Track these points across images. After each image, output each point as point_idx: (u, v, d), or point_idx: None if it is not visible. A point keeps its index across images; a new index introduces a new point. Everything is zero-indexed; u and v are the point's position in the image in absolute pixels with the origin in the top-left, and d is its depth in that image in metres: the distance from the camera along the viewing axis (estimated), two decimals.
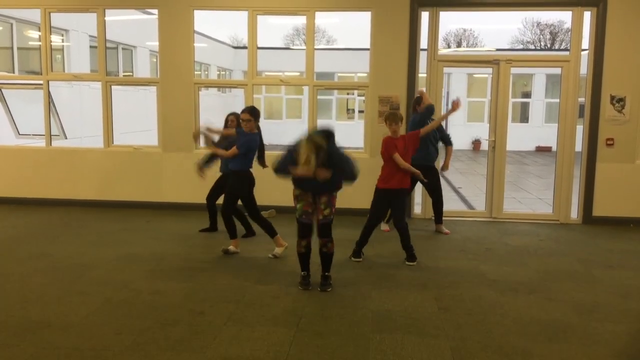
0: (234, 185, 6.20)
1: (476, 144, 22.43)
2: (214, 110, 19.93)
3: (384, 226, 7.47)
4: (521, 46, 36.97)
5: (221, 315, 4.48)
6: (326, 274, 5.21)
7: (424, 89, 7.91)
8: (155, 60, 16.79)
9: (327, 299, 4.93)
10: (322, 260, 5.21)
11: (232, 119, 6.95)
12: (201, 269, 5.73)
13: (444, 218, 7.63)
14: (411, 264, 5.97)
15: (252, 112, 6.07)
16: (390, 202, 6.12)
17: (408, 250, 6.05)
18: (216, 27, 21.91)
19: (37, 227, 7.48)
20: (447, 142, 7.60)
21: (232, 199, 6.19)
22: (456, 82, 23.02)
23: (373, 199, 6.18)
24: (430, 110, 6.87)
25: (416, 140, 6.12)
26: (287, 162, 5.03)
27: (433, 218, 7.70)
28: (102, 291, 4.99)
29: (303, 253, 5.23)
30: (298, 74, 15.65)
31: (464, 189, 11.54)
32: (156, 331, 4.16)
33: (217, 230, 7.18)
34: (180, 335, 4.09)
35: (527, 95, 24.70)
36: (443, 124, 8.07)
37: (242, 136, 6.09)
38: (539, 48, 37.62)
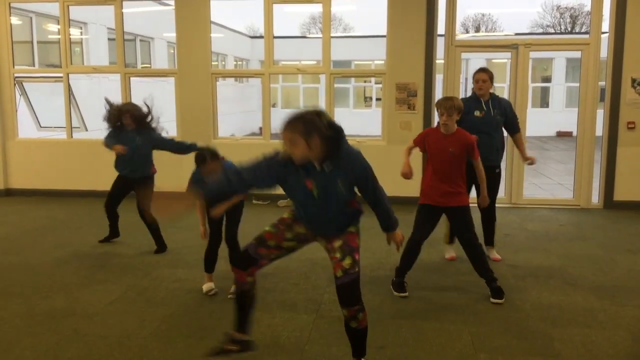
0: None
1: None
2: (232, 101, 20.08)
3: (448, 253, 5.74)
4: (541, 30, 36.43)
5: None
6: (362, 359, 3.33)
7: None
8: (172, 51, 16.87)
9: None
10: (351, 340, 3.28)
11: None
12: (220, 256, 5.78)
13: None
14: (498, 301, 4.51)
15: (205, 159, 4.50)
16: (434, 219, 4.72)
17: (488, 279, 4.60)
18: (233, 17, 21.94)
19: (60, 218, 7.61)
20: (513, 129, 5.73)
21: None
22: (475, 68, 22.80)
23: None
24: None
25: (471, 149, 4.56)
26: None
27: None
28: (124, 279, 5.08)
29: (241, 294, 3.38)
30: (315, 62, 15.64)
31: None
32: (178, 318, 4.24)
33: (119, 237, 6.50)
34: (202, 322, 4.16)
35: (547, 79, 24.38)
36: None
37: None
38: (559, 32, 37.02)
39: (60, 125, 9.23)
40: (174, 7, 8.58)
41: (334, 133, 2.93)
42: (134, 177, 6.06)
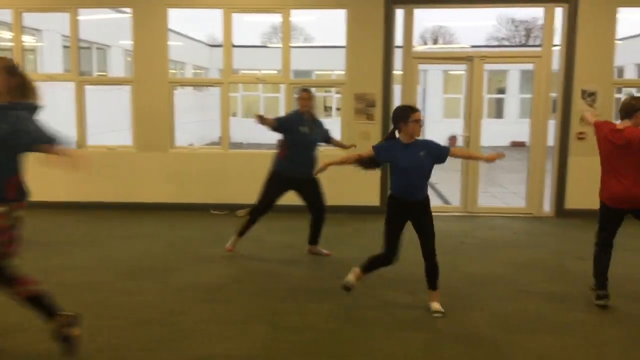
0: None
1: (452, 139, 22.62)
2: (190, 110, 19.90)
3: None
4: (496, 43, 37.36)
5: (199, 315, 4.50)
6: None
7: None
8: (129, 59, 16.65)
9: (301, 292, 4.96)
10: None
11: None
12: (175, 268, 5.72)
13: None
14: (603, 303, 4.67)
15: None
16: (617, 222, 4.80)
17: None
18: (192, 26, 21.80)
19: None
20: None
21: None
22: (432, 79, 23.23)
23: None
24: None
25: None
26: None
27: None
28: (75, 293, 4.96)
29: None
30: (276, 72, 15.64)
31: (440, 184, 11.65)
32: (131, 331, 4.16)
33: None
34: (155, 336, 4.10)
35: (502, 91, 25.00)
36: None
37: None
38: (514, 44, 38.02)
39: None
40: (131, 15, 8.48)
41: None
42: None
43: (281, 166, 5.91)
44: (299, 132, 5.84)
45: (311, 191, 5.98)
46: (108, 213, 8.23)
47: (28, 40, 13.00)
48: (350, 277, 4.65)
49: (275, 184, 5.92)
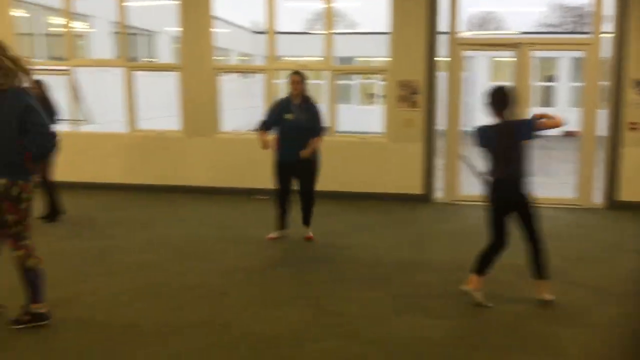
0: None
1: None
2: (237, 96, 20.07)
3: None
4: (546, 29, 36.33)
5: (244, 295, 4.59)
6: None
7: None
8: (175, 45, 16.90)
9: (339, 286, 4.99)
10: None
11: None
12: (220, 250, 5.83)
13: (473, 203, 7.51)
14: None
15: None
16: None
17: None
18: (237, 12, 21.91)
19: (67, 211, 7.56)
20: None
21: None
22: (479, 66, 22.78)
23: None
24: None
25: None
26: None
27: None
28: (125, 273, 5.11)
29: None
30: (319, 59, 15.66)
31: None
32: (179, 310, 4.27)
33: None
34: (203, 315, 4.20)
35: (552, 79, 24.34)
36: None
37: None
38: (564, 31, 36.91)
39: (65, 118, 9.23)
40: (177, 2, 8.59)
41: None
42: None
43: (277, 153, 6.04)
44: (283, 118, 5.94)
45: (301, 176, 6.06)
46: (157, 195, 8.41)
47: (78, 26, 13.33)
48: (469, 288, 4.45)
49: (277, 171, 6.08)
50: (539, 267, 4.45)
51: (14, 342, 3.73)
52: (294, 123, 5.93)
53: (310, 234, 6.21)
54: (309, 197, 6.16)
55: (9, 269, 3.95)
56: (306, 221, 6.26)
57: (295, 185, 6.14)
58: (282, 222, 6.20)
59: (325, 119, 6.14)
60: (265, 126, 6.09)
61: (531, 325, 4.11)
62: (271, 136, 6.07)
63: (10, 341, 3.75)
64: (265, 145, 6.02)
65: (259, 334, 3.90)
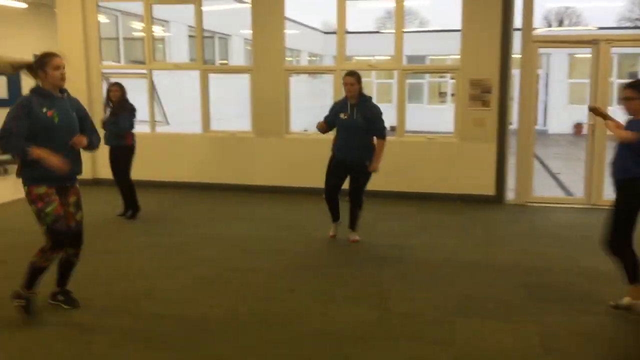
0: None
1: (577, 127, 21.31)
2: (307, 96, 20.30)
3: None
4: (629, 24, 34.52)
5: (310, 293, 4.67)
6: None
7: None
8: (249, 48, 17.29)
9: (407, 283, 4.98)
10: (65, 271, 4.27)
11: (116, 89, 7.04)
12: (287, 249, 5.94)
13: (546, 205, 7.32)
14: None
15: None
16: None
17: None
18: (308, 13, 22.14)
19: (143, 208, 7.91)
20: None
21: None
22: (556, 63, 21.97)
23: None
24: None
25: None
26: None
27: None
28: (193, 269, 5.30)
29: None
30: (389, 58, 15.60)
31: (562, 175, 11.10)
32: (249, 307, 4.40)
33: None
34: (272, 311, 4.30)
35: (634, 76, 23.14)
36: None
37: None
38: None
39: (143, 119, 9.64)
40: (250, 5, 8.80)
41: None
42: None
43: (334, 149, 6.09)
44: (338, 117, 5.97)
45: (352, 175, 6.04)
46: (227, 194, 8.66)
47: (157, 30, 13.90)
48: (627, 300, 4.24)
49: (330, 165, 6.10)
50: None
51: (107, 326, 3.97)
52: (347, 122, 5.92)
53: (357, 237, 6.14)
54: (356, 198, 6.08)
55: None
56: (352, 225, 6.16)
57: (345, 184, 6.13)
58: (334, 213, 6.21)
59: (387, 119, 6.10)
60: (327, 123, 6.14)
61: (600, 331, 3.96)
62: (323, 124, 6.14)
63: (99, 327, 3.99)
64: (320, 126, 6.13)
65: (324, 331, 3.96)
